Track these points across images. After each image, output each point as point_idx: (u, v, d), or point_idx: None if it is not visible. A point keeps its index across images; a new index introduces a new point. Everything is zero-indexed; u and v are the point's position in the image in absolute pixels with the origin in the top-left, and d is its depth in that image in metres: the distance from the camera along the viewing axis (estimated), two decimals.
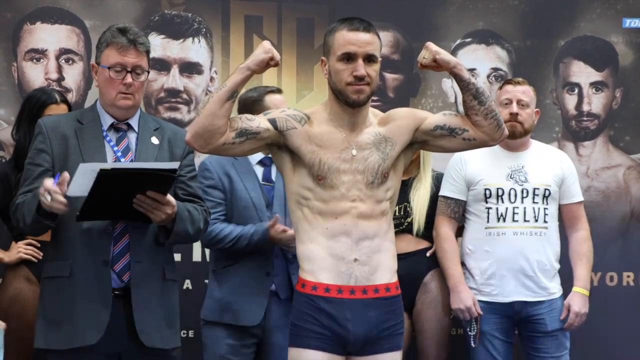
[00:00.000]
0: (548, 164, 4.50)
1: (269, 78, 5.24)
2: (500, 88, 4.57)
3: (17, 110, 4.49)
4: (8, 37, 5.00)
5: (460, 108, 5.34)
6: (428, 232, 4.68)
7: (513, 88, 4.47)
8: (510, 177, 4.44)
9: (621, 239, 5.44)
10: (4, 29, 4.99)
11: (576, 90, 5.45)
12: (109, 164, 3.23)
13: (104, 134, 3.47)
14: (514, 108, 4.41)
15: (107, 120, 3.49)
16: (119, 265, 3.39)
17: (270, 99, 4.25)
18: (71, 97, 4.98)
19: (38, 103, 4.41)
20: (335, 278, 3.20)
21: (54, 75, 5.02)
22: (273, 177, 4.32)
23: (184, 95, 5.16)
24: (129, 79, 3.41)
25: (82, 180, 3.21)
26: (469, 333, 4.43)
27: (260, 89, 4.36)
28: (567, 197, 4.52)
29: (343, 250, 3.21)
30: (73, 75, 5.05)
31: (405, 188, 4.74)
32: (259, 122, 3.19)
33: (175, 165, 3.35)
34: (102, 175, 3.14)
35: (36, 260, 4.37)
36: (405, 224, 4.69)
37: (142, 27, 5.08)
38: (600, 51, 5.46)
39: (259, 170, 4.32)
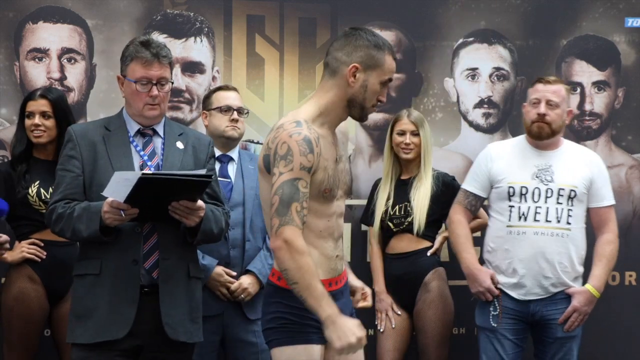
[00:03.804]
0: (577, 165, 4.44)
1: (271, 78, 5.24)
2: (532, 85, 4.50)
3: (19, 109, 4.51)
4: (10, 37, 4.99)
5: (462, 108, 5.38)
6: (428, 232, 4.68)
7: (543, 87, 4.41)
8: (536, 177, 4.39)
9: (623, 238, 5.40)
10: (6, 29, 4.99)
11: (578, 90, 5.45)
12: (150, 171, 3.39)
13: (131, 139, 3.63)
14: (542, 108, 4.36)
15: (133, 127, 3.66)
16: (149, 263, 3.54)
17: (215, 95, 4.49)
18: (73, 96, 4.98)
19: (22, 102, 4.49)
20: (326, 274, 3.20)
21: (56, 75, 5.02)
22: (230, 173, 4.44)
23: (186, 95, 5.17)
24: (154, 91, 3.58)
25: (115, 188, 3.37)
26: (492, 313, 4.37)
27: (215, 87, 4.66)
28: (596, 200, 4.46)
29: (330, 250, 3.23)
30: (75, 74, 5.05)
31: (406, 187, 4.75)
32: (307, 189, 3.09)
33: (210, 172, 3.56)
34: (143, 180, 3.28)
35: (39, 260, 4.38)
36: (406, 223, 4.69)
37: (144, 27, 5.09)
38: (602, 50, 5.46)
39: (216, 166, 4.39)
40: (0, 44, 4.99)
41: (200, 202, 3.50)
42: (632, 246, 5.42)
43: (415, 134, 4.77)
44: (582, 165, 4.44)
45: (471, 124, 5.38)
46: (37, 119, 4.41)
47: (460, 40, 5.40)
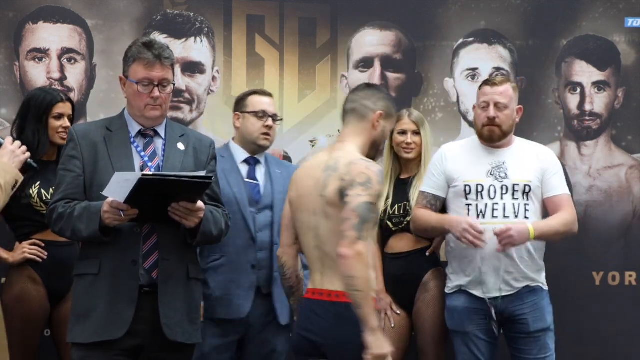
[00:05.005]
0: (528, 159, 4.40)
1: (270, 78, 5.25)
2: (480, 88, 4.45)
3: (40, 111, 4.46)
4: (10, 37, 5.00)
5: (462, 108, 5.38)
6: None
7: (491, 90, 4.36)
8: (491, 174, 4.37)
9: (623, 238, 5.43)
10: (6, 29, 5.00)
11: (578, 90, 5.45)
12: (151, 172, 3.42)
13: (132, 140, 3.63)
14: (491, 112, 4.32)
15: (134, 128, 3.65)
16: (149, 263, 3.54)
17: (250, 99, 4.45)
18: (73, 96, 4.98)
19: (44, 102, 4.43)
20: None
21: (56, 75, 5.02)
22: (257, 175, 4.43)
23: (186, 95, 5.17)
24: (156, 92, 3.59)
25: (115, 188, 3.38)
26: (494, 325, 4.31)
27: (250, 90, 4.58)
28: (548, 190, 4.38)
29: None
30: (75, 74, 5.06)
31: (405, 187, 4.74)
32: (376, 215, 3.55)
33: (209, 174, 3.56)
34: (143, 181, 3.30)
35: (40, 260, 4.38)
36: (405, 222, 4.68)
37: (144, 27, 5.10)
38: (602, 50, 5.46)
39: (244, 169, 4.42)
40: (0, 44, 5.00)
41: (200, 204, 3.50)
42: (632, 246, 5.42)
43: (416, 133, 4.77)
44: (533, 160, 4.40)
45: (471, 124, 5.37)
46: (67, 121, 4.43)
47: (460, 40, 5.40)
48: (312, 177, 3.53)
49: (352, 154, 3.52)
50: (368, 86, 3.76)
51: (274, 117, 4.43)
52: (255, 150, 4.44)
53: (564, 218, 4.36)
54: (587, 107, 5.44)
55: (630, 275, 5.42)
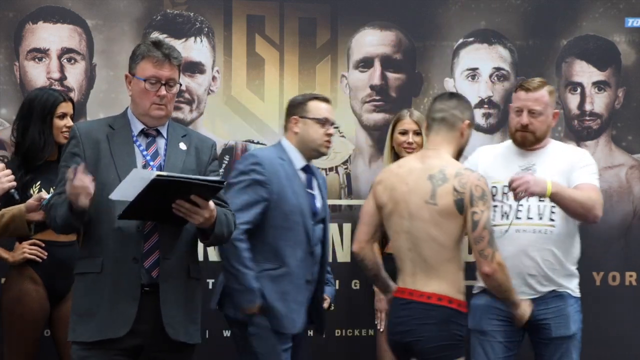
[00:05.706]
0: (560, 162, 4.33)
1: (270, 78, 5.25)
2: (516, 91, 4.36)
3: (44, 111, 4.45)
4: (10, 37, 4.99)
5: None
6: None
7: (525, 95, 4.28)
8: None
9: (624, 238, 5.44)
10: (6, 29, 4.99)
11: (578, 90, 5.45)
12: (165, 172, 3.40)
13: (134, 139, 3.62)
14: (525, 119, 4.27)
15: (137, 127, 3.64)
16: (149, 262, 3.53)
17: (312, 104, 4.34)
18: (73, 96, 4.96)
19: (48, 103, 4.43)
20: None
21: (56, 75, 5.02)
22: (313, 186, 4.36)
23: (186, 95, 5.17)
24: (163, 91, 3.57)
25: (128, 185, 3.36)
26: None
27: (308, 95, 4.46)
28: (573, 182, 4.28)
29: None
30: (75, 74, 5.05)
31: None
32: None
33: (215, 175, 3.59)
34: (156, 181, 3.29)
35: (40, 261, 4.38)
36: None
37: (144, 27, 5.10)
38: (602, 51, 5.46)
39: (302, 177, 4.33)
40: (0, 44, 5.00)
41: (211, 204, 3.48)
42: (632, 246, 5.43)
43: (418, 133, 4.78)
44: (564, 162, 4.33)
45: None
46: (70, 121, 4.43)
47: (460, 40, 5.40)
48: (407, 182, 3.81)
49: (453, 162, 3.82)
50: (452, 95, 4.04)
51: (333, 124, 4.37)
52: (313, 157, 4.37)
53: (588, 193, 4.25)
54: (588, 107, 5.44)
55: (631, 276, 5.42)
